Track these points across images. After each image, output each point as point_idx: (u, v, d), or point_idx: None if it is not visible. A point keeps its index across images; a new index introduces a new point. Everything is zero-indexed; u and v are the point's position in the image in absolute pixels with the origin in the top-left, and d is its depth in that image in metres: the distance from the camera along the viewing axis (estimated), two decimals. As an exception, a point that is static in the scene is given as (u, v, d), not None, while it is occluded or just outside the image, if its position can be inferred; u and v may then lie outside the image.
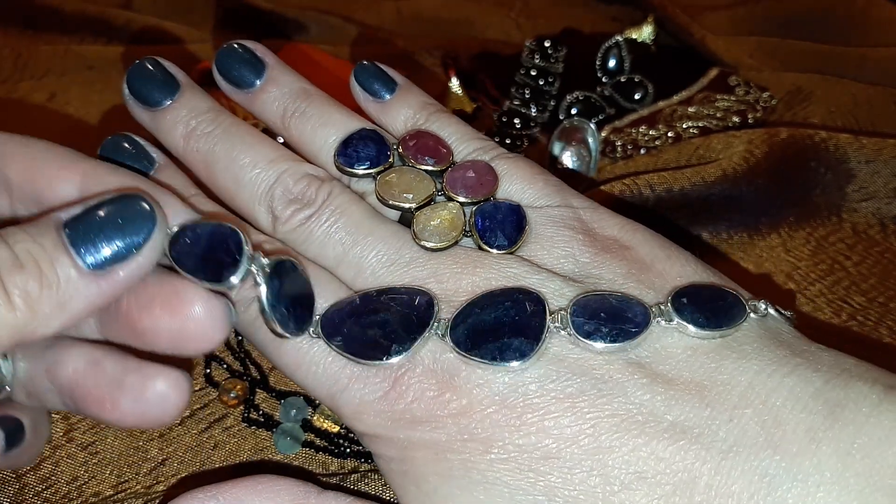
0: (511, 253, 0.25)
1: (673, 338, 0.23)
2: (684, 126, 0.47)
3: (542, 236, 0.26)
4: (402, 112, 0.30)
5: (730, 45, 0.55)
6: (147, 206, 0.22)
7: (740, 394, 0.22)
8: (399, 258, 0.25)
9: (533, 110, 0.49)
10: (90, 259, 0.21)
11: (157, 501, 0.29)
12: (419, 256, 0.25)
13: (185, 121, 0.28)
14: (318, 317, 0.24)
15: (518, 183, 0.28)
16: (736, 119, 0.48)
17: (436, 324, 0.23)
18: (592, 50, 0.52)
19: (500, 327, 0.23)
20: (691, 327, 0.23)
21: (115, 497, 0.29)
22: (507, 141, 0.47)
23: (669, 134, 0.47)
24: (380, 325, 0.24)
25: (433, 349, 0.23)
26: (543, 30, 0.59)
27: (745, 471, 0.20)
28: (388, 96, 0.30)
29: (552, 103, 0.49)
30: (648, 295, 0.24)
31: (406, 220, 0.27)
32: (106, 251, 0.21)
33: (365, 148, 0.28)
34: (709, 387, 0.22)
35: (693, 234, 0.41)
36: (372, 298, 0.24)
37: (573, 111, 0.48)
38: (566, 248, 0.25)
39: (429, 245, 0.25)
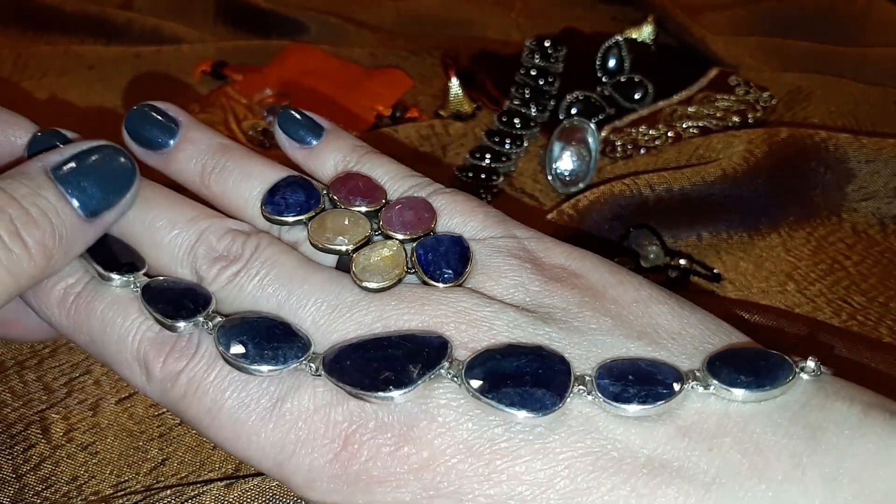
0: (459, 286, 0.24)
1: None
2: (684, 126, 0.47)
3: (489, 267, 0.25)
4: (332, 156, 0.28)
5: (730, 45, 0.55)
6: (125, 159, 0.25)
7: (717, 422, 0.21)
8: (340, 303, 0.24)
9: (533, 110, 0.49)
10: (88, 206, 0.23)
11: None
12: (361, 299, 0.24)
13: None
14: (322, 353, 0.23)
15: (458, 216, 0.26)
16: (736, 119, 0.48)
17: (447, 363, 0.22)
18: (592, 50, 0.52)
19: (522, 375, 0.21)
20: (735, 391, 0.21)
21: (115, 496, 0.29)
22: (507, 141, 0.47)
23: (669, 134, 0.47)
24: (387, 359, 0.22)
25: (388, 401, 0.22)
26: (543, 30, 0.59)
27: (731, 503, 0.20)
28: (314, 142, 0.29)
29: (552, 103, 0.49)
30: (606, 322, 0.23)
31: (344, 265, 0.25)
32: (100, 199, 0.24)
33: (293, 194, 0.26)
34: (683, 416, 0.21)
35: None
36: (382, 337, 0.23)
37: (573, 111, 0.48)
38: (515, 277, 0.24)
39: (371, 286, 0.24)
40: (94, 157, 0.24)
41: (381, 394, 0.21)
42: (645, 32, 0.55)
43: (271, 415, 0.22)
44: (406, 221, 0.26)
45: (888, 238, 0.41)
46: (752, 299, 0.38)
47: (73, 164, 0.24)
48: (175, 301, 0.24)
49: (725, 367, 0.21)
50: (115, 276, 0.24)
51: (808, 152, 0.43)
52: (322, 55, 0.55)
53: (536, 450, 0.21)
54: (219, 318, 0.23)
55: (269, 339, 0.23)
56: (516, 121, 0.48)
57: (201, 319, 0.23)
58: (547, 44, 0.52)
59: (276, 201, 0.26)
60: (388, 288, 0.24)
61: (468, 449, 0.21)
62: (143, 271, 0.25)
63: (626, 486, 0.20)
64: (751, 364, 0.21)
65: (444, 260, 0.24)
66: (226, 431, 0.23)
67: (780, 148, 0.43)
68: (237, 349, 0.22)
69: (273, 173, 0.27)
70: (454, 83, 0.50)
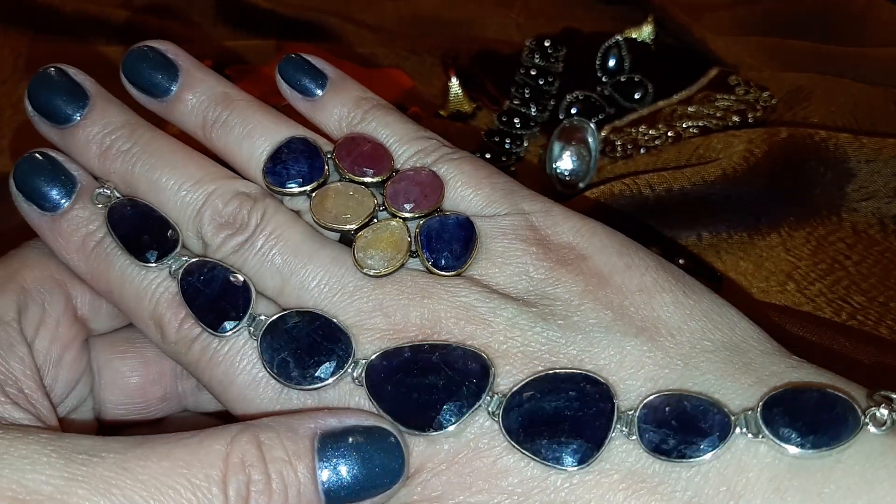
0: (461, 273, 0.24)
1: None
2: (684, 126, 0.47)
3: (494, 252, 0.24)
4: (336, 110, 0.27)
5: (730, 45, 0.55)
6: (398, 452, 0.21)
7: None
8: (342, 288, 0.23)
9: (533, 110, 0.49)
10: (330, 488, 0.20)
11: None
12: (364, 285, 0.23)
13: (98, 139, 0.25)
14: (363, 362, 0.22)
15: (463, 188, 0.25)
16: (736, 119, 0.48)
17: (488, 398, 0.21)
18: (592, 50, 0.52)
19: (560, 421, 0.21)
20: (790, 447, 0.19)
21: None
22: (507, 140, 0.47)
23: (669, 133, 0.47)
24: (427, 389, 0.22)
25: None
26: (543, 30, 0.59)
27: None
28: (319, 92, 0.28)
29: (552, 103, 0.49)
30: (606, 316, 0.22)
31: (347, 239, 0.25)
32: (349, 490, 0.20)
33: (295, 163, 0.25)
34: None
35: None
36: (423, 354, 0.22)
37: (573, 111, 0.48)
38: (519, 264, 0.24)
39: (372, 272, 0.23)
40: (367, 439, 0.21)
41: (417, 432, 0.22)
42: (645, 32, 0.55)
43: (279, 397, 0.23)
44: (412, 198, 0.25)
45: (888, 238, 0.41)
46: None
47: (344, 440, 0.20)
48: (214, 304, 0.23)
49: (782, 416, 0.20)
50: (151, 264, 0.24)
51: (808, 152, 0.43)
52: (322, 55, 0.55)
53: (517, 458, 0.21)
54: (259, 318, 0.23)
55: (311, 351, 0.23)
56: (516, 121, 0.48)
57: (244, 324, 0.23)
58: (547, 44, 0.52)
59: (277, 171, 0.25)
60: (390, 274, 0.24)
61: (454, 457, 0.21)
62: (176, 251, 0.24)
63: (602, 501, 0.20)
64: (812, 414, 0.20)
65: (448, 247, 0.24)
66: (235, 404, 0.23)
67: (780, 148, 0.43)
68: (281, 368, 0.22)
69: (276, 130, 0.26)
70: (454, 83, 0.50)
